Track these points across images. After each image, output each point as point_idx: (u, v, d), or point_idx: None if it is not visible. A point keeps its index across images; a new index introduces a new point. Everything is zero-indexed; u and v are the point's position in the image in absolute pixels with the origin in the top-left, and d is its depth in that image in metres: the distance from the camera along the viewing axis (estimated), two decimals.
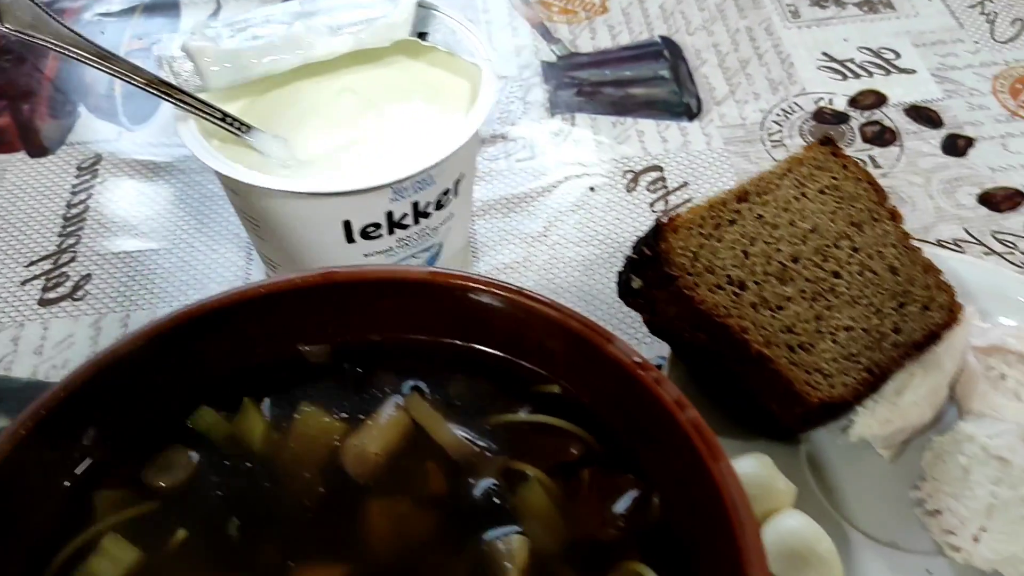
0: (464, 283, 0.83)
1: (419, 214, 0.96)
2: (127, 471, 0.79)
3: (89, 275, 1.16)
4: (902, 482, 0.92)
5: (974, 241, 1.20)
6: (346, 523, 0.76)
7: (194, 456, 0.80)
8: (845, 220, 0.93)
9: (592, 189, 1.26)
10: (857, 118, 1.36)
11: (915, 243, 0.95)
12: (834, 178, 0.96)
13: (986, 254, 1.17)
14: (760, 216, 0.91)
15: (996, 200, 1.25)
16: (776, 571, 0.82)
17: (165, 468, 0.79)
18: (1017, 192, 1.26)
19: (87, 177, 1.28)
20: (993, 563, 0.82)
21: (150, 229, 1.22)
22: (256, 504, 0.77)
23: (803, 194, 0.94)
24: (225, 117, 0.96)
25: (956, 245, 1.18)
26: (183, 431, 0.82)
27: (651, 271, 0.90)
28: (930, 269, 0.93)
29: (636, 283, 0.92)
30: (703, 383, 0.95)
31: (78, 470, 0.78)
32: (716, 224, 0.90)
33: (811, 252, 0.91)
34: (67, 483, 0.77)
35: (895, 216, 0.95)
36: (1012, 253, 1.18)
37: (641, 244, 0.90)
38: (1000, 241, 1.20)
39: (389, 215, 0.94)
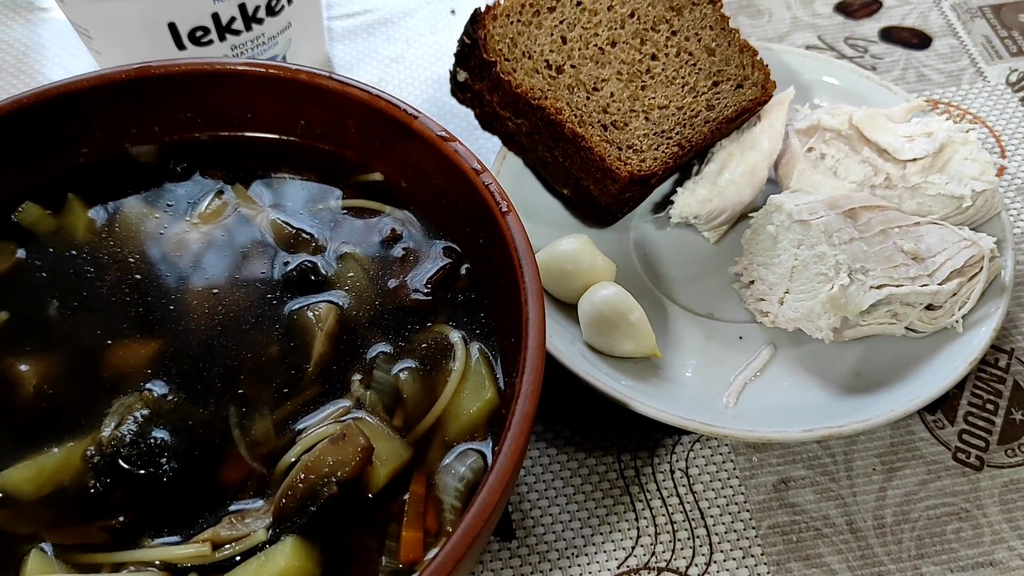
0: (277, 71, 0.84)
1: (250, 19, 0.96)
2: None
3: None
4: (724, 262, 0.95)
5: (825, 47, 1.21)
6: (164, 304, 0.78)
7: (17, 247, 0.82)
8: (665, 5, 0.94)
9: (453, 12, 1.26)
10: None
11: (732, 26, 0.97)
12: None
13: (836, 59, 1.18)
14: (579, 3, 0.92)
15: (853, 8, 1.26)
16: (591, 340, 0.86)
17: None
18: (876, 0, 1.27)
19: None
20: (795, 321, 0.86)
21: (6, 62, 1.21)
22: (77, 288, 0.79)
23: None
24: None
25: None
26: (8, 226, 0.83)
27: (473, 60, 0.91)
28: (746, 49, 0.95)
29: (462, 75, 0.93)
30: (536, 176, 0.97)
31: None
32: (535, 11, 0.91)
33: (629, 36, 0.93)
34: None
35: (715, 0, 0.96)
36: (862, 57, 1.20)
37: (463, 34, 0.91)
38: (852, 46, 1.22)
39: (216, 17, 0.94)
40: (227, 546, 0.64)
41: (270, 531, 0.64)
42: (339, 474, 0.65)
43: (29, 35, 1.25)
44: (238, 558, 0.64)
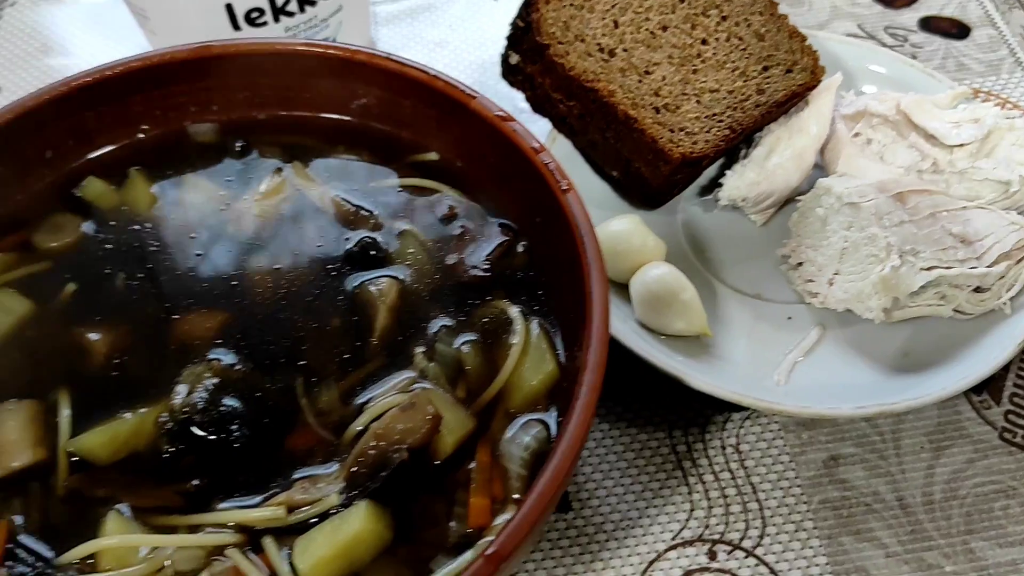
0: (337, 52, 0.86)
1: (304, 1, 0.98)
2: (18, 237, 0.83)
3: (0, 88, 1.18)
4: (771, 245, 0.96)
5: (865, 36, 1.22)
6: (227, 278, 0.80)
7: (82, 221, 0.83)
8: None
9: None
10: None
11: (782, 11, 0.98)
12: None
13: (878, 47, 1.19)
14: None
15: None
16: (644, 318, 0.87)
17: (54, 231, 0.83)
18: None
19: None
20: (845, 302, 0.88)
21: (58, 44, 1.23)
22: (142, 262, 0.81)
23: None
24: None
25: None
26: (73, 200, 0.85)
27: (526, 44, 0.93)
28: (795, 35, 0.96)
29: (514, 58, 0.95)
30: (585, 158, 0.99)
31: None
32: None
33: (680, 21, 0.94)
34: None
35: None
36: (902, 46, 1.21)
37: (516, 17, 0.93)
38: (892, 35, 1.23)
39: (272, 0, 0.95)
40: (301, 509, 0.66)
41: (343, 495, 0.66)
42: (409, 441, 0.67)
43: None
44: (312, 521, 0.65)
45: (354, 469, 0.67)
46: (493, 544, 0.57)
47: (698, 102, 0.91)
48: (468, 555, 0.64)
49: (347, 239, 0.82)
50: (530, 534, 0.58)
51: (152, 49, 1.10)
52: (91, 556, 0.64)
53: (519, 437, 0.70)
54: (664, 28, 0.94)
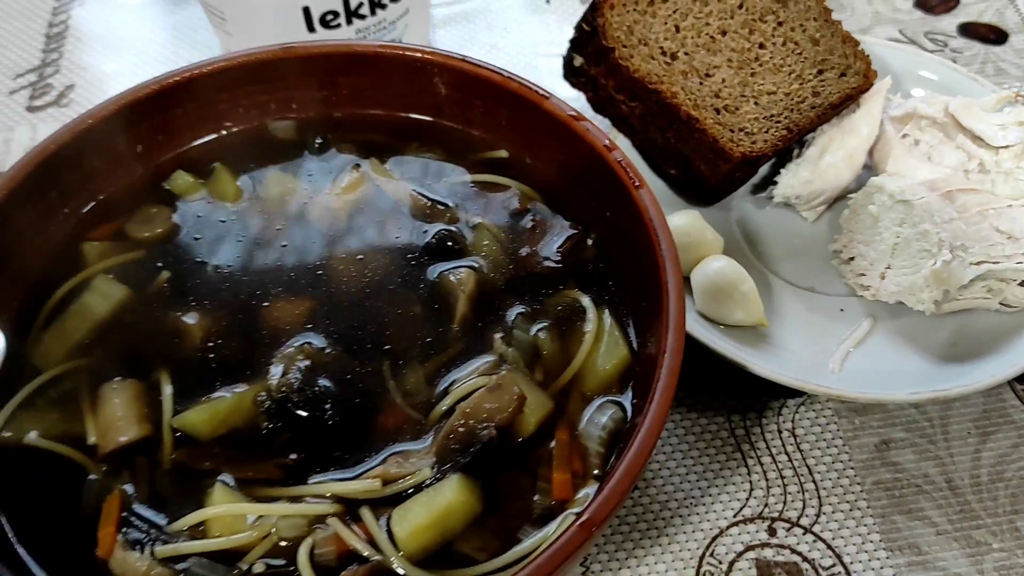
0: (414, 53, 0.90)
1: (375, 4, 1.02)
2: (111, 227, 0.88)
3: (72, 85, 1.23)
4: (821, 240, 1.01)
5: (907, 41, 1.27)
6: (312, 267, 0.84)
7: (171, 212, 0.88)
8: None
9: (548, 1, 1.32)
10: None
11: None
12: None
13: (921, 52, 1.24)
14: None
15: (932, 4, 1.32)
16: (704, 308, 0.92)
17: (146, 222, 0.88)
18: None
19: None
20: (896, 295, 0.92)
21: (130, 44, 1.28)
22: (230, 251, 0.86)
23: None
24: None
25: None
26: (162, 192, 0.90)
27: (590, 47, 0.97)
28: (848, 40, 1.01)
29: (578, 61, 0.99)
30: (642, 157, 1.03)
31: (67, 224, 0.86)
32: (650, 1, 0.97)
33: (738, 26, 0.99)
34: (58, 235, 0.85)
35: None
36: (942, 51, 1.25)
37: (581, 21, 0.97)
38: (932, 40, 1.27)
39: (346, 2, 1.00)
40: (395, 482, 0.70)
41: (434, 469, 0.70)
42: (497, 419, 0.71)
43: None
44: (405, 493, 0.70)
45: (445, 445, 0.71)
46: (586, 512, 0.61)
47: (756, 104, 0.95)
48: (561, 522, 0.68)
49: (425, 231, 0.86)
50: (619, 503, 0.62)
51: (225, 50, 1.16)
52: (200, 523, 0.69)
53: (596, 418, 0.74)
54: (723, 33, 0.98)
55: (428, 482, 0.70)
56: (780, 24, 0.99)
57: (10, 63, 1.26)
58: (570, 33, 0.99)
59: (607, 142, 0.82)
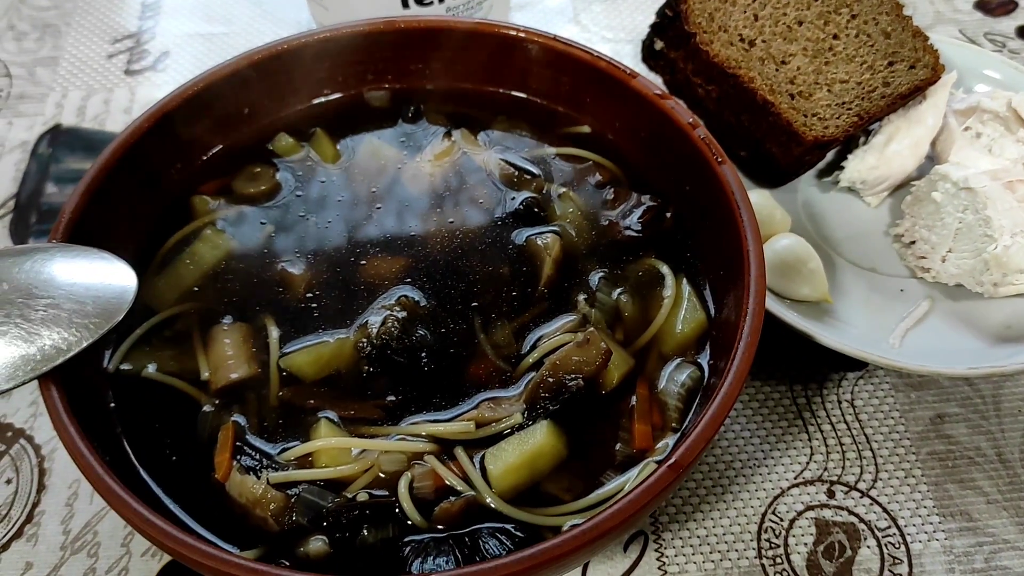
0: (508, 31, 0.95)
1: None
2: (219, 183, 0.94)
3: (168, 52, 1.29)
4: (882, 224, 1.05)
5: (967, 40, 1.31)
6: (406, 227, 0.90)
7: (275, 171, 0.94)
8: None
9: None
10: None
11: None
12: None
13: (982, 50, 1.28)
14: None
15: (991, 6, 1.36)
16: (772, 284, 0.97)
17: (251, 179, 0.93)
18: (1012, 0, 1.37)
19: None
20: (957, 277, 0.96)
21: (220, 14, 1.34)
22: (330, 209, 0.91)
23: None
24: None
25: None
26: (266, 153, 0.96)
27: (671, 31, 1.02)
28: (919, 35, 1.05)
29: (658, 45, 1.04)
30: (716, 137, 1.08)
31: (179, 177, 0.92)
32: None
33: (814, 16, 1.03)
34: (170, 187, 0.91)
35: None
36: (1001, 51, 1.29)
37: (664, 7, 1.02)
38: (991, 41, 1.31)
39: None
40: (488, 425, 0.76)
41: (525, 415, 0.76)
42: (584, 372, 0.77)
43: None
44: (497, 435, 0.76)
45: (535, 393, 0.76)
46: (673, 455, 0.66)
47: (829, 91, 1.00)
48: (643, 469, 0.73)
49: (513, 198, 0.92)
50: (704, 449, 0.67)
51: (319, 23, 1.22)
52: (308, 455, 0.74)
53: (675, 376, 0.80)
54: (799, 23, 1.03)
55: (519, 426, 0.76)
56: (854, 17, 1.04)
57: (109, 29, 1.33)
58: (641, 20, 1.04)
59: (691, 119, 0.86)
